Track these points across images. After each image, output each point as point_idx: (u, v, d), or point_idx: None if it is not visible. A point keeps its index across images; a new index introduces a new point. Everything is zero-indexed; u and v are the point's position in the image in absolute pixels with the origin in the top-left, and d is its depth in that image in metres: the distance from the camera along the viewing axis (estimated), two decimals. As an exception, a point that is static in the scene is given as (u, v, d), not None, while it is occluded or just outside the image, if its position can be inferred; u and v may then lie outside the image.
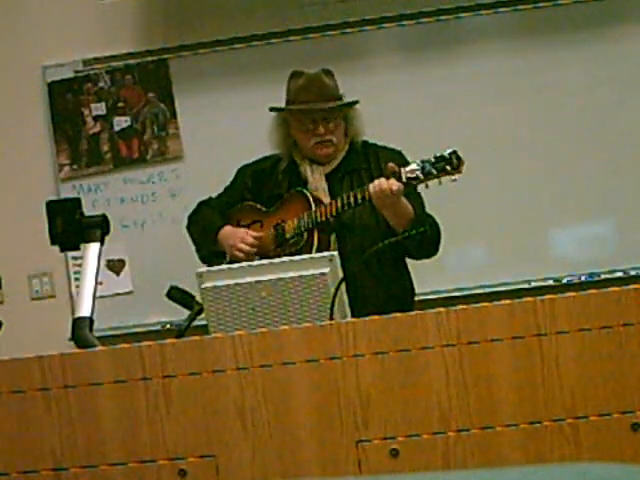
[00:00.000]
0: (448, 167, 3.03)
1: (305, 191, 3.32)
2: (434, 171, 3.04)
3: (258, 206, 3.43)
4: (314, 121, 3.32)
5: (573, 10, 4.41)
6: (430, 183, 3.11)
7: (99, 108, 4.65)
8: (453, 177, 3.05)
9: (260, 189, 3.45)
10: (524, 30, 4.45)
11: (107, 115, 4.64)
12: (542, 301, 2.18)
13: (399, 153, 3.34)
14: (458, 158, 3.04)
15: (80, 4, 4.65)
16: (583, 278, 4.37)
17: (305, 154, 3.38)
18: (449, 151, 3.05)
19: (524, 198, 4.41)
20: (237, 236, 3.35)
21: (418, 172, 3.05)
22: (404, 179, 3.07)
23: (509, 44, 4.47)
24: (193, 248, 3.52)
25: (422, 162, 3.06)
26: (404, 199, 3.14)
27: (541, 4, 4.42)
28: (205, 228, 3.46)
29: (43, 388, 2.32)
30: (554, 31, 4.43)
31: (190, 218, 3.57)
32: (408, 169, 3.07)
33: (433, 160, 3.05)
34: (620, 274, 4.34)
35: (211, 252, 3.42)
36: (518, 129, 4.43)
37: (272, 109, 3.43)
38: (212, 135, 4.55)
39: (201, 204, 3.56)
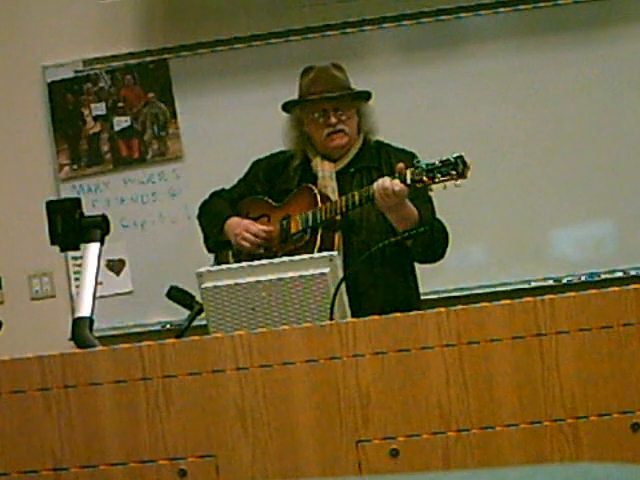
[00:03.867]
0: (453, 172, 3.01)
1: (312, 187, 3.33)
2: (439, 175, 3.02)
3: (267, 200, 3.44)
4: (325, 111, 3.33)
5: (573, 10, 4.41)
6: (434, 187, 3.11)
7: (99, 108, 4.65)
8: (457, 182, 3.02)
9: (272, 183, 3.45)
10: (524, 30, 4.45)
11: (107, 115, 4.65)
12: (542, 301, 2.18)
13: (412, 155, 3.32)
14: (464, 163, 3.01)
15: (80, 4, 4.65)
16: (583, 278, 4.37)
17: (319, 149, 3.38)
18: (455, 155, 3.02)
19: (524, 198, 4.41)
20: (242, 225, 3.36)
21: (423, 175, 3.04)
22: (408, 181, 3.06)
23: (509, 44, 4.47)
24: (202, 237, 3.52)
25: (427, 165, 3.04)
26: (409, 203, 3.13)
27: (541, 4, 4.42)
28: (213, 218, 3.48)
29: (43, 388, 2.32)
30: (554, 31, 4.43)
31: (201, 208, 3.59)
32: (413, 171, 3.06)
33: (439, 164, 3.03)
34: (620, 274, 4.35)
35: (218, 242, 3.43)
36: (518, 129, 4.43)
37: (284, 105, 3.45)
38: (212, 135, 4.56)
39: (213, 194, 3.58)
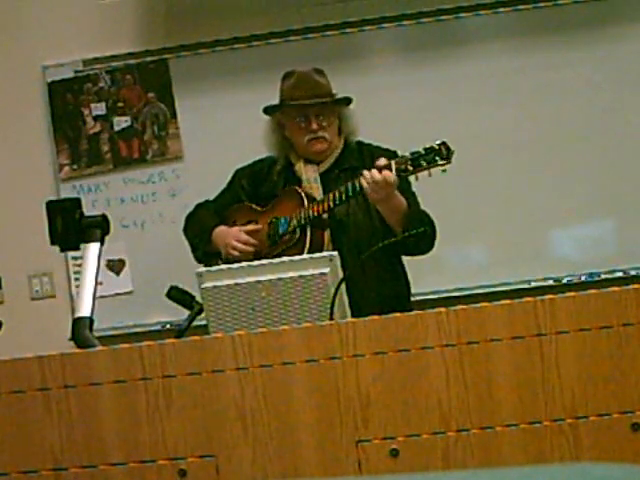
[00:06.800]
0: (438, 158, 3.04)
1: (298, 188, 3.33)
2: (424, 162, 3.05)
3: (253, 206, 3.44)
4: (306, 117, 3.34)
5: (573, 10, 4.41)
6: (420, 175, 3.12)
7: (99, 108, 4.65)
8: (443, 168, 3.05)
9: (256, 190, 3.46)
10: (524, 30, 4.45)
11: (107, 115, 4.65)
12: (542, 301, 2.18)
13: (394, 153, 3.34)
14: (447, 149, 3.04)
15: (80, 4, 4.65)
16: (583, 278, 4.37)
17: (300, 153, 3.39)
18: (438, 142, 3.06)
19: (524, 198, 4.41)
20: (231, 235, 3.36)
21: (408, 164, 3.06)
22: (394, 171, 3.07)
23: (509, 44, 4.47)
24: (189, 250, 3.53)
25: (412, 154, 3.07)
26: (397, 193, 3.15)
27: (541, 4, 4.42)
28: (200, 229, 3.47)
29: (43, 388, 2.32)
30: (554, 31, 4.43)
31: (187, 220, 3.58)
32: (398, 161, 3.08)
33: (423, 152, 3.06)
34: (620, 274, 4.35)
35: (206, 253, 3.43)
36: (518, 129, 4.43)
37: (265, 108, 3.45)
38: (212, 135, 4.56)
39: (198, 206, 3.58)
